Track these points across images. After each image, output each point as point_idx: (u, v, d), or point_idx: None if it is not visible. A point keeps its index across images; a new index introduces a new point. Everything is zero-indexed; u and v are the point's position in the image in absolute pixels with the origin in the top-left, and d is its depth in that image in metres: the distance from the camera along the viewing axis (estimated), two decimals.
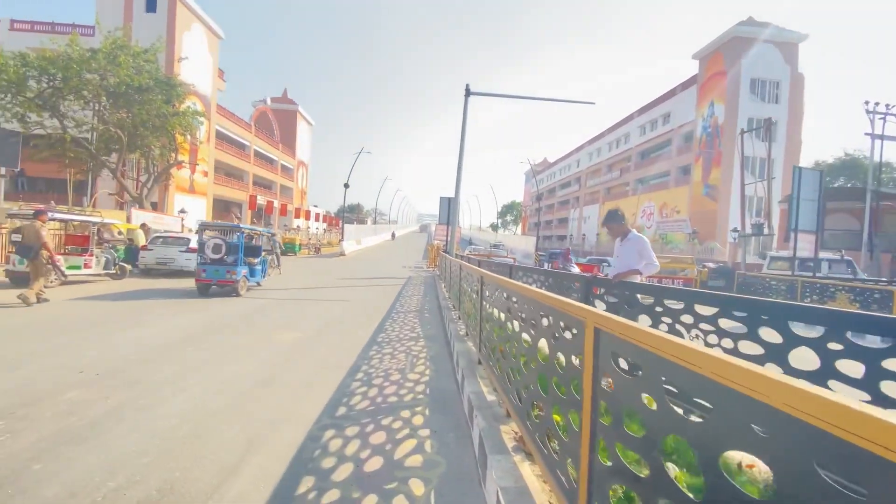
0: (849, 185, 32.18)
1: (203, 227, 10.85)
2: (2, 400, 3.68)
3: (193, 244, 13.90)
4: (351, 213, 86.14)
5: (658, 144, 44.65)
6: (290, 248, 24.88)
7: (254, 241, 11.98)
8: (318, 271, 18.61)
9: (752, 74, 34.55)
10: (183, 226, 24.29)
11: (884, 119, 17.14)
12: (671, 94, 42.75)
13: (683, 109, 40.28)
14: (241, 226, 10.76)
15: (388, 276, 18.41)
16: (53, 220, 10.96)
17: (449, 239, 16.02)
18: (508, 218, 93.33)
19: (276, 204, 44.13)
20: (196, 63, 33.06)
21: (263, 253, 12.14)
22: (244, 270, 10.55)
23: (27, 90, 16.58)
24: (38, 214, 8.93)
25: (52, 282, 9.87)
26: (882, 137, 17.07)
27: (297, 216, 49.42)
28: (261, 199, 41.33)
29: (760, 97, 34.78)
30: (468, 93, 15.85)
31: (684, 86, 40.73)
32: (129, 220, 18.93)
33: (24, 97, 16.67)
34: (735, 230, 26.38)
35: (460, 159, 15.54)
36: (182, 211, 28.59)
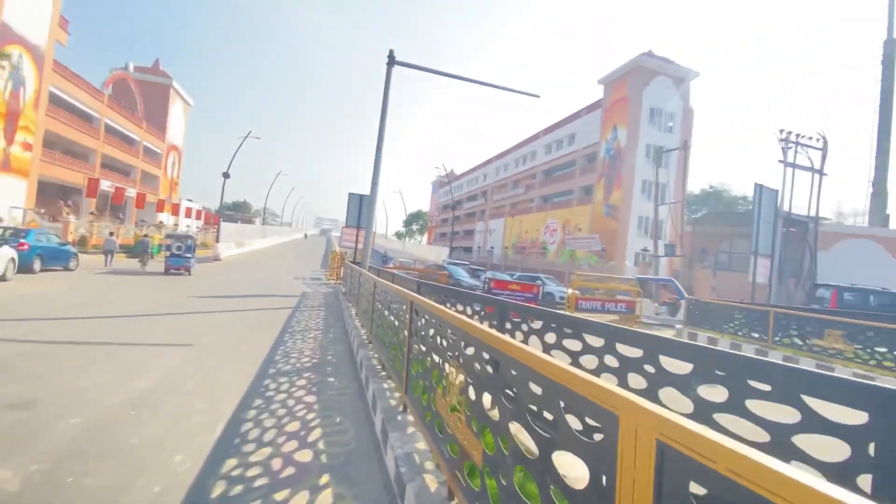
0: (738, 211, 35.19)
1: (167, 236, 17.96)
2: None
3: None
4: (235, 212, 75.66)
5: (563, 164, 45.52)
6: (138, 249, 17.97)
7: (189, 242, 15.72)
8: (170, 284, 13.26)
9: (651, 104, 36.48)
10: None
11: (795, 148, 17.89)
12: (577, 115, 43.92)
13: (588, 131, 41.40)
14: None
15: (274, 292, 13.79)
16: None
17: (363, 246, 12.16)
18: (414, 227, 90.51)
19: (132, 193, 35.20)
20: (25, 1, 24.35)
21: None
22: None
23: None
24: None
25: None
26: (794, 166, 17.79)
27: (161, 209, 40.47)
28: (106, 185, 32.36)
29: (657, 126, 36.84)
30: (392, 61, 12.32)
31: (589, 109, 42.00)
32: None
33: None
34: (645, 250, 26.57)
35: (379, 143, 11.90)
36: None
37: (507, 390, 1.82)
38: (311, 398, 4.46)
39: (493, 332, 2.07)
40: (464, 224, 67.96)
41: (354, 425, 3.86)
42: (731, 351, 2.30)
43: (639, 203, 36.23)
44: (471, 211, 67.28)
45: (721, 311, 11.86)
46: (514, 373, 1.72)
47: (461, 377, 2.29)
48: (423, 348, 3.25)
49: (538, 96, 14.06)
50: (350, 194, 14.50)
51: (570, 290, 13.39)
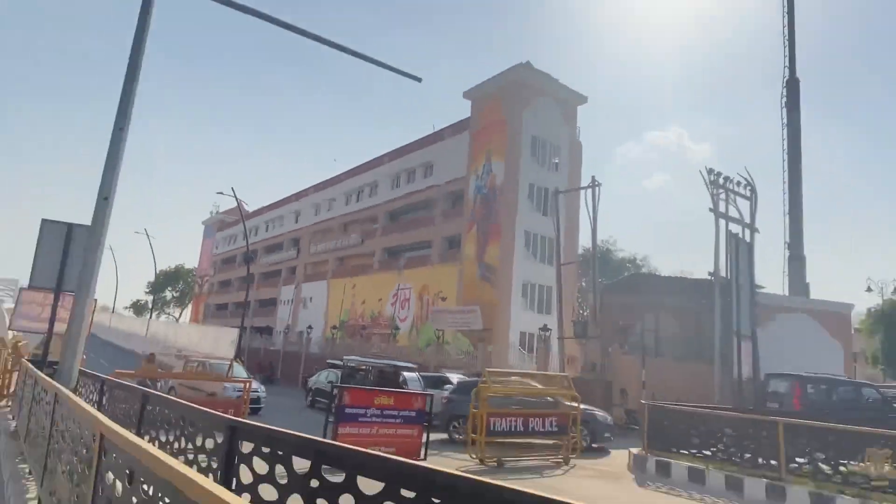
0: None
1: None
2: None
3: None
4: None
5: (417, 202, 45.83)
6: None
7: None
8: None
9: (533, 132, 39.61)
10: None
11: (726, 195, 20.36)
12: (436, 137, 45.24)
13: (452, 160, 42.58)
14: None
15: None
16: None
17: (70, 330, 8.22)
18: (168, 294, 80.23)
19: None
20: None
21: None
22: None
23: None
24: None
25: None
26: (727, 217, 20.13)
27: None
28: None
29: (540, 161, 39.92)
30: None
31: (454, 130, 43.72)
32: None
33: None
34: (546, 329, 26.95)
35: (121, 120, 8.66)
36: None
37: None
38: None
39: None
40: (260, 289, 62.60)
41: None
42: None
43: (523, 263, 37.80)
44: (272, 269, 62.68)
45: (703, 424, 11.41)
46: None
47: None
48: None
49: (419, 79, 12.78)
50: (45, 222, 10.43)
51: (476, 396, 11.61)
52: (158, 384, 13.87)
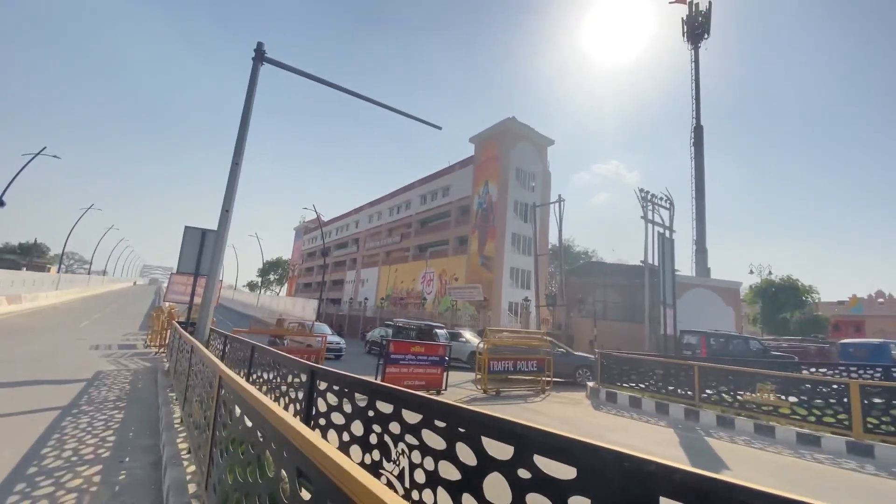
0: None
1: None
2: None
3: None
4: (22, 256, 57.60)
5: (438, 214, 45.54)
6: None
7: None
8: None
9: (517, 165, 39.17)
10: None
11: (652, 207, 19.99)
12: (450, 169, 44.96)
13: (461, 185, 42.40)
14: None
15: (43, 376, 8.65)
16: None
17: (202, 301, 8.23)
18: (272, 277, 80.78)
19: None
20: None
21: None
22: None
23: None
24: None
25: None
26: (653, 223, 19.79)
27: None
28: None
29: (523, 185, 39.50)
30: (261, 57, 9.39)
31: (462, 164, 43.37)
32: None
33: None
34: (527, 300, 26.62)
35: (237, 157, 8.58)
36: None
37: None
38: None
39: None
40: (332, 273, 62.85)
41: None
42: None
43: (510, 255, 37.53)
44: (340, 259, 62.79)
45: (640, 366, 11.09)
46: None
47: None
48: None
49: (440, 128, 12.53)
50: (187, 228, 10.45)
51: (480, 345, 11.40)
52: (286, 340, 13.50)
